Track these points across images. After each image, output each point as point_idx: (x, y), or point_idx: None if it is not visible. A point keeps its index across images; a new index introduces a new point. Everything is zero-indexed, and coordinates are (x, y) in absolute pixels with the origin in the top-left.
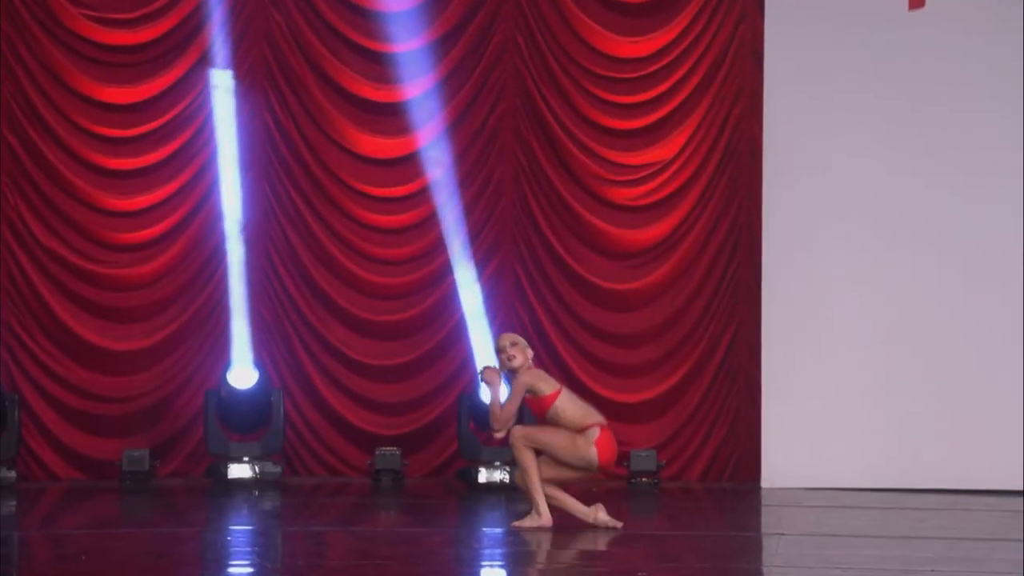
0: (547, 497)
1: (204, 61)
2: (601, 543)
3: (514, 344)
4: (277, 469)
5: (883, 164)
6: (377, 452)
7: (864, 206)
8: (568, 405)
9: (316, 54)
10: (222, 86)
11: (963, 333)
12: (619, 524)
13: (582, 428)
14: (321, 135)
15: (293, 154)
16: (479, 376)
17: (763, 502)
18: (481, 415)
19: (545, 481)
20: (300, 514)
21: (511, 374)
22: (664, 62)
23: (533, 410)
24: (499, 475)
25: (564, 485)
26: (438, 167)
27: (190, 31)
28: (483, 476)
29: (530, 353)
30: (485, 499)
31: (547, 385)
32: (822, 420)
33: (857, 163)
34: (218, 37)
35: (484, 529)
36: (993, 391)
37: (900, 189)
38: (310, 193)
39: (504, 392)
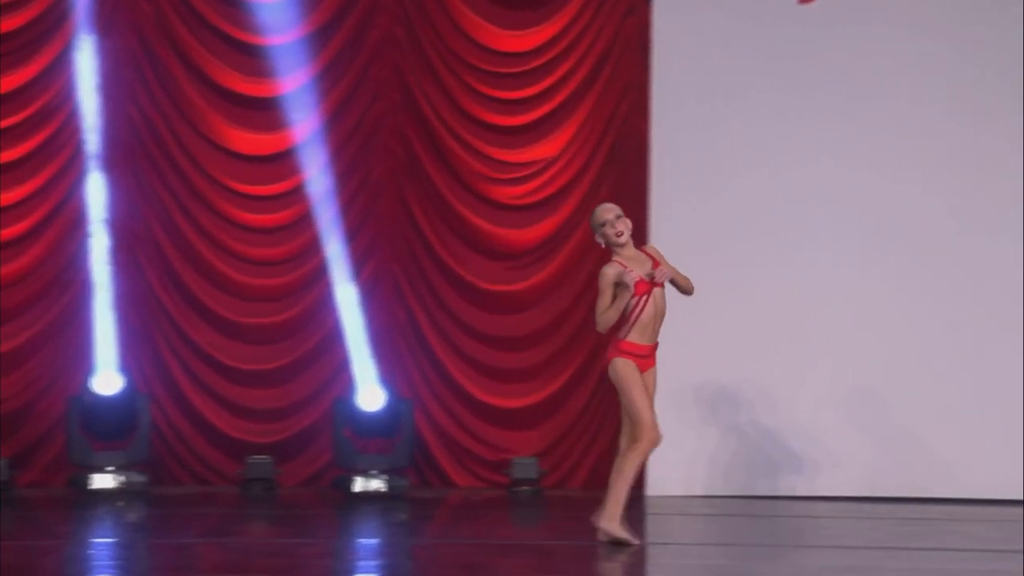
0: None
1: (68, 52)
2: (481, 554)
3: (620, 216)
4: (142, 479)
5: (776, 160)
6: (248, 460)
7: (756, 204)
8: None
9: (186, 45)
10: (87, 79)
11: (848, 337)
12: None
13: None
14: (191, 130)
15: (161, 150)
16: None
17: (648, 510)
18: (358, 422)
19: None
20: (167, 526)
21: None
22: (548, 56)
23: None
24: (375, 484)
25: None
26: (314, 164)
27: (54, 21)
28: (359, 485)
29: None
30: (361, 509)
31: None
32: (708, 427)
33: (749, 160)
34: (83, 27)
35: (360, 540)
36: (863, 398)
37: (793, 185)
38: (179, 191)
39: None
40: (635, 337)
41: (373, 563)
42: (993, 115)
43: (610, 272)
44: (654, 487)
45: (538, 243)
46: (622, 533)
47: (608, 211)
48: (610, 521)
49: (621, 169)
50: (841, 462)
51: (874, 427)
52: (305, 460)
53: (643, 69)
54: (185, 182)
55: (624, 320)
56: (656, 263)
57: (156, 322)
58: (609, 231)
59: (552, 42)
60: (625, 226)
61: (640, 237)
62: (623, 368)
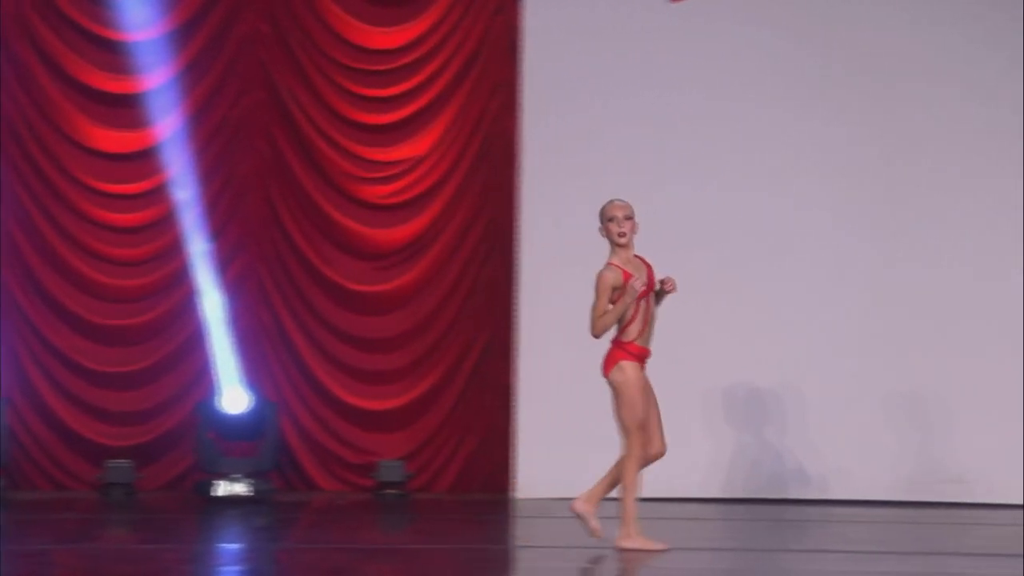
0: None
1: None
2: (346, 558)
3: (629, 218)
4: None
5: (648, 161)
6: (107, 464)
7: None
8: None
9: (45, 41)
10: None
11: (721, 340)
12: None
13: None
14: (49, 127)
15: (20, 147)
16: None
17: (515, 513)
18: (222, 425)
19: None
20: (22, 532)
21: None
22: (417, 54)
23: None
24: (239, 487)
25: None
26: (177, 162)
27: None
28: (221, 489)
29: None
30: (223, 513)
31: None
32: (578, 428)
33: (620, 161)
34: None
35: (222, 545)
36: (722, 402)
37: (665, 186)
38: (38, 189)
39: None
40: (641, 341)
41: (236, 568)
42: (856, 112)
43: (609, 277)
44: (524, 490)
45: (405, 243)
46: (647, 545)
47: (619, 208)
48: (626, 539)
49: (490, 169)
50: (698, 464)
51: (723, 429)
52: (167, 464)
53: (513, 68)
54: (44, 181)
55: (630, 321)
56: (650, 269)
57: (14, 325)
58: (613, 228)
59: (420, 40)
60: (630, 228)
61: (509, 237)
62: (633, 373)
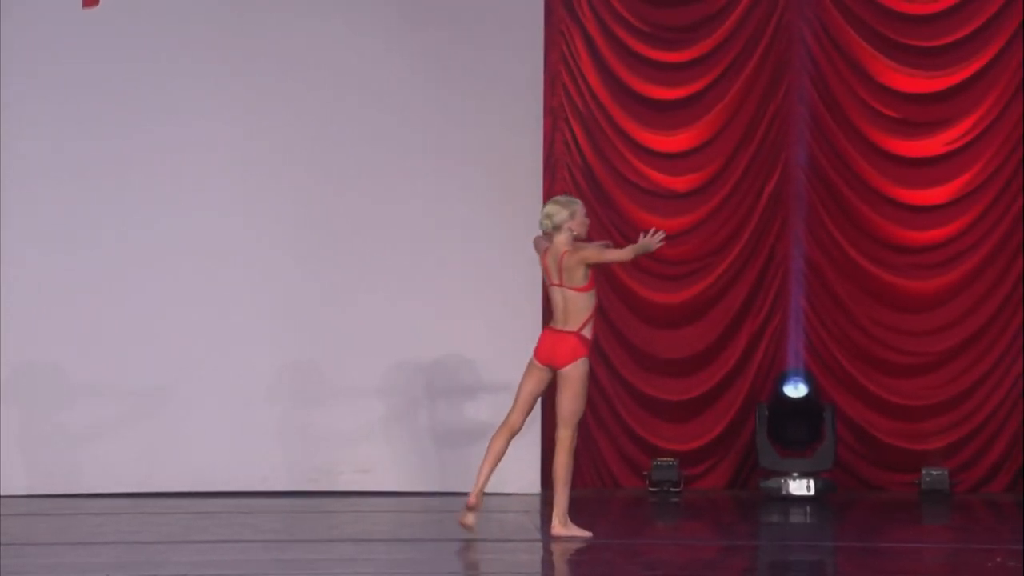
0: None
1: None
2: None
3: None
4: None
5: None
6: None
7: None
8: None
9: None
10: None
11: (125, 339)
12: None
13: None
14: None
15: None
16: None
17: None
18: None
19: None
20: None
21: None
22: None
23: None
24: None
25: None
26: None
27: None
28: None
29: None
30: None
31: None
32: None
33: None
34: None
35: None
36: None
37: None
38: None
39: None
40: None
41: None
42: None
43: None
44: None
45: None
46: (580, 532)
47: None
48: (561, 528)
49: None
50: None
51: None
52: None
53: None
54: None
55: (592, 316)
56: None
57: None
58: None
59: None
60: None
61: None
62: (586, 368)
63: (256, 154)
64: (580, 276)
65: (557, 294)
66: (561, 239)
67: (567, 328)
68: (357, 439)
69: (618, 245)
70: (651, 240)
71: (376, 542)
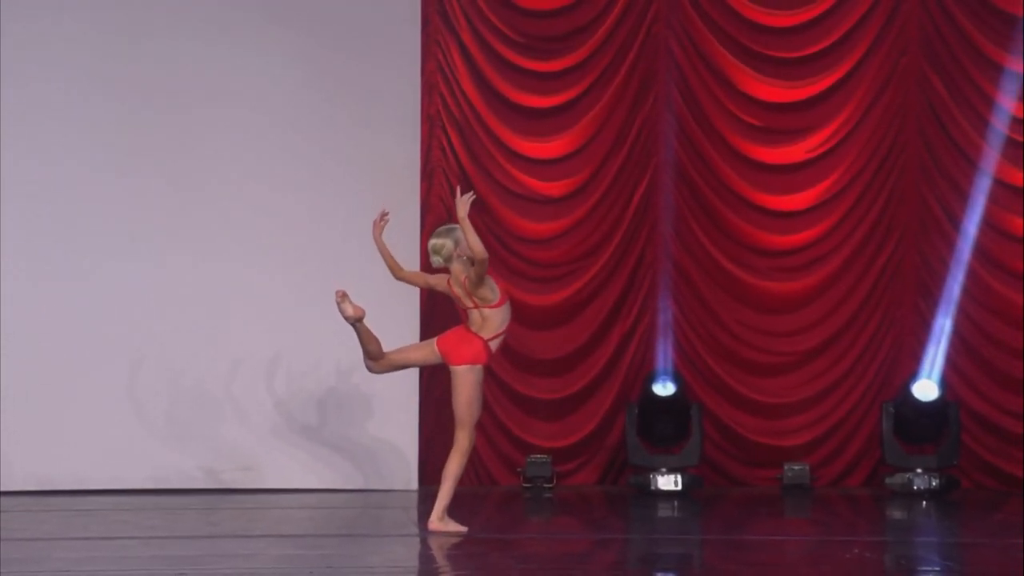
0: None
1: None
2: None
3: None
4: None
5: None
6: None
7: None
8: None
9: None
10: None
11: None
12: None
13: None
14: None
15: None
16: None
17: None
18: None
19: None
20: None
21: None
22: None
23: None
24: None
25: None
26: None
27: None
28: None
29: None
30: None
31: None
32: None
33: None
34: None
35: None
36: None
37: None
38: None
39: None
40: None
41: None
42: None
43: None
44: None
45: None
46: (456, 528)
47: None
48: (439, 523)
49: None
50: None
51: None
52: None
53: None
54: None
55: (504, 332)
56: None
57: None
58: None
59: None
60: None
61: None
62: (479, 377)
63: (135, 163)
64: (489, 293)
65: (475, 315)
66: (458, 267)
67: (480, 334)
68: (239, 438)
69: (492, 249)
70: (462, 206)
71: (256, 538)
